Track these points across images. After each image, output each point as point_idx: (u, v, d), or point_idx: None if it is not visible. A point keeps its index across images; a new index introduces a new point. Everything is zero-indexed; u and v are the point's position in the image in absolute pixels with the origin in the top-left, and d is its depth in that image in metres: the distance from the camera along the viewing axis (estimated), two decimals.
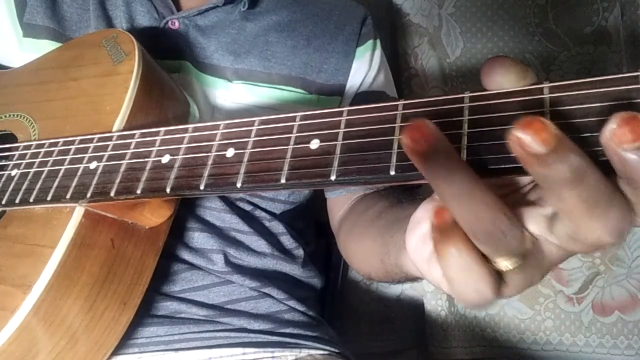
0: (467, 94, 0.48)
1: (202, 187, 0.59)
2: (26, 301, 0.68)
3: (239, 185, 0.56)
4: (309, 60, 1.11)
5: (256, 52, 1.08)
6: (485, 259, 0.45)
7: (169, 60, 1.02)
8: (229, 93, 1.06)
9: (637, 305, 1.38)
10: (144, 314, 0.90)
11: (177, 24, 1.04)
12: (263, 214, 1.10)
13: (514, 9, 1.52)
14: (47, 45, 1.02)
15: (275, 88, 1.08)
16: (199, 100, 1.03)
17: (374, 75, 1.19)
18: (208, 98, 1.05)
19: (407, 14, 1.57)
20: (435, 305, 1.43)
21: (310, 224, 1.26)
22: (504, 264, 0.45)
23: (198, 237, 1.00)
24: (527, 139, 0.36)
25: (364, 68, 1.17)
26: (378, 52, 1.21)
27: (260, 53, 1.08)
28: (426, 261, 0.55)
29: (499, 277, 0.46)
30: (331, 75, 1.13)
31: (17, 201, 0.76)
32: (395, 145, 0.49)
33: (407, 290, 1.49)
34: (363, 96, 1.17)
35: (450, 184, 0.42)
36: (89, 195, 0.69)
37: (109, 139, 0.73)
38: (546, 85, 0.45)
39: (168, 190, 0.62)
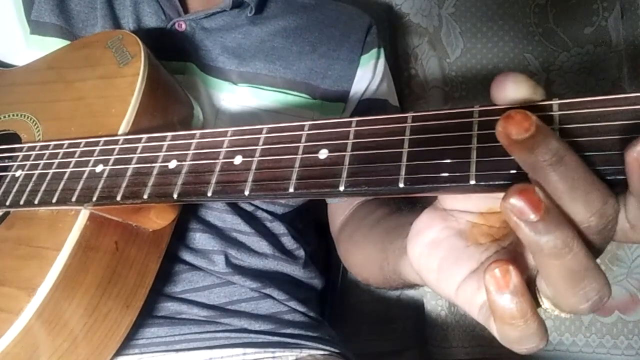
0: (476, 108, 0.48)
1: (209, 194, 0.59)
2: (31, 304, 0.68)
3: (246, 193, 0.57)
4: (313, 65, 1.12)
5: (262, 56, 1.09)
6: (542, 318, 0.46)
7: (174, 62, 1.03)
8: (234, 96, 1.06)
9: (637, 305, 1.38)
10: (145, 314, 0.90)
11: (183, 26, 1.04)
12: (264, 214, 1.10)
13: (514, 9, 1.52)
14: (54, 43, 1.02)
15: (280, 92, 1.09)
16: (204, 103, 1.03)
17: (377, 83, 1.20)
18: (212, 100, 1.05)
19: (407, 14, 1.57)
20: (435, 305, 1.43)
21: (311, 225, 1.26)
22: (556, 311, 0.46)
23: (199, 238, 1.00)
24: (511, 128, 0.39)
25: (368, 76, 1.18)
26: (382, 60, 1.22)
27: (266, 57, 1.09)
28: (435, 271, 0.55)
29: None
30: (335, 81, 1.14)
31: (21, 202, 0.76)
32: (405, 158, 0.49)
33: (407, 290, 1.49)
34: (366, 103, 1.18)
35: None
36: (95, 198, 0.69)
37: (115, 142, 0.73)
38: (556, 102, 0.45)
39: (175, 196, 0.62)
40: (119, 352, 0.83)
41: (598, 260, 1.16)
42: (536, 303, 0.46)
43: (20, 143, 0.87)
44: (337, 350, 1.06)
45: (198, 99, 1.02)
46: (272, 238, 1.10)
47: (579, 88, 1.47)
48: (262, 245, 1.06)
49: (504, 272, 0.44)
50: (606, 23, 1.48)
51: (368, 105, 1.17)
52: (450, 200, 0.56)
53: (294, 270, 1.12)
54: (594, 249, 0.43)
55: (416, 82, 1.54)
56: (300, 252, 1.14)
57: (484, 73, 1.49)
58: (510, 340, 0.46)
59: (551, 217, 0.40)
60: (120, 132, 0.77)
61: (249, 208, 1.08)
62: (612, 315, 1.39)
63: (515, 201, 0.40)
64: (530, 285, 0.47)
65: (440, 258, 0.54)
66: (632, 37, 1.49)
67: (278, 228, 1.11)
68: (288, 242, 1.12)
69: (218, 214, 1.03)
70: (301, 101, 1.11)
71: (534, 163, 0.40)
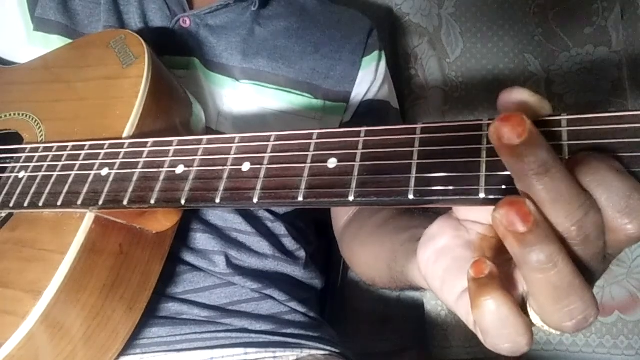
0: (485, 121, 0.48)
1: (217, 201, 0.59)
2: (36, 307, 0.68)
3: (255, 200, 0.57)
4: (316, 66, 1.13)
5: (265, 54, 1.09)
6: (521, 311, 0.46)
7: (178, 57, 1.03)
8: (236, 92, 1.07)
9: (637, 305, 1.38)
10: (147, 315, 0.89)
11: (188, 22, 1.05)
12: (266, 214, 1.10)
13: (514, 9, 1.52)
14: (57, 41, 1.03)
15: (283, 90, 1.09)
16: (206, 98, 1.04)
17: (379, 85, 1.21)
18: (215, 97, 1.06)
19: (407, 14, 1.57)
20: (435, 305, 1.44)
21: (311, 224, 1.26)
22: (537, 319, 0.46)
23: (200, 239, 1.00)
24: (505, 131, 0.39)
25: (370, 77, 1.19)
26: (383, 63, 1.23)
27: (269, 55, 1.10)
28: (439, 279, 0.55)
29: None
30: (337, 82, 1.14)
31: (25, 205, 0.76)
32: (414, 170, 0.49)
33: (408, 290, 1.49)
34: (368, 104, 1.18)
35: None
36: (101, 202, 0.69)
37: (121, 145, 0.73)
38: (564, 117, 0.45)
39: (183, 201, 0.62)
40: (120, 352, 0.83)
41: None
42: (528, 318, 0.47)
43: (22, 143, 0.87)
44: (337, 350, 1.07)
45: (201, 94, 1.03)
46: (272, 238, 1.10)
47: (579, 88, 1.48)
48: (262, 246, 1.07)
49: (481, 263, 0.45)
50: (606, 23, 1.48)
51: (370, 107, 1.18)
52: (464, 211, 0.57)
53: (295, 271, 1.12)
54: (583, 266, 0.43)
55: (416, 82, 1.54)
56: (301, 253, 1.14)
57: (483, 73, 1.49)
58: (489, 333, 0.46)
59: (539, 230, 0.40)
60: (124, 133, 0.77)
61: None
62: (612, 315, 1.39)
63: (505, 212, 0.40)
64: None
65: (446, 267, 0.55)
66: (632, 37, 1.49)
67: (279, 229, 1.12)
68: (289, 242, 1.13)
69: (219, 213, 1.03)
70: (304, 100, 1.11)
71: (519, 169, 0.41)
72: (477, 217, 0.55)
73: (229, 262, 1.01)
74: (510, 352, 0.46)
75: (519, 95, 0.46)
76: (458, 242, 0.55)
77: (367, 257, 0.95)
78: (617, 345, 1.38)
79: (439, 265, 0.55)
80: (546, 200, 0.41)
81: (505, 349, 0.46)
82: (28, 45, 1.03)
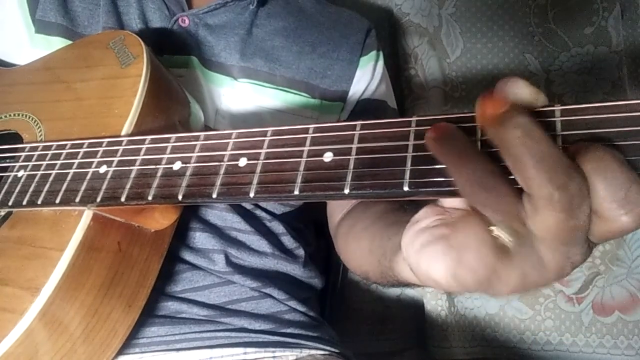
0: None
1: (214, 196, 0.60)
2: (34, 304, 0.68)
3: (251, 195, 0.57)
4: (313, 65, 1.13)
5: (262, 54, 1.10)
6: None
7: (176, 56, 1.04)
8: (234, 91, 1.07)
9: (637, 305, 1.39)
10: (146, 314, 0.89)
11: (187, 21, 1.05)
12: (263, 214, 1.10)
13: (514, 9, 1.53)
14: (59, 42, 1.03)
15: (280, 90, 1.10)
16: (204, 96, 1.04)
17: (376, 84, 1.21)
18: (213, 95, 1.06)
19: (407, 14, 1.57)
20: (435, 305, 1.44)
21: (310, 225, 1.27)
22: (501, 232, 0.47)
23: (199, 237, 1.00)
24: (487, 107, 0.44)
25: (367, 77, 1.19)
26: (381, 63, 1.23)
27: (267, 55, 1.10)
28: (416, 252, 0.56)
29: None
30: (334, 81, 1.15)
31: (24, 203, 0.76)
32: (409, 162, 0.50)
33: (407, 290, 1.49)
34: (365, 103, 1.19)
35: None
36: (99, 199, 0.69)
37: (119, 143, 0.73)
38: (558, 107, 0.45)
39: (180, 197, 0.62)
40: (120, 352, 0.83)
41: (598, 261, 1.16)
42: None
43: (22, 143, 0.87)
44: (337, 350, 1.07)
45: (199, 93, 1.03)
46: (271, 237, 1.10)
47: (578, 88, 1.48)
48: (261, 244, 1.07)
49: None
50: (606, 23, 1.49)
51: (367, 106, 1.18)
52: (450, 200, 0.57)
53: (294, 270, 1.12)
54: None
55: (416, 82, 1.54)
56: (300, 252, 1.14)
57: (484, 73, 1.50)
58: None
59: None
60: (123, 132, 0.77)
61: (249, 207, 1.08)
62: (612, 315, 1.39)
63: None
64: None
65: (424, 241, 0.55)
66: (632, 37, 1.50)
67: (277, 227, 1.12)
68: (287, 241, 1.13)
69: (218, 212, 1.03)
70: (301, 100, 1.11)
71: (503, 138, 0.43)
72: (463, 204, 0.56)
73: (229, 261, 1.01)
74: (478, 272, 0.48)
75: (515, 86, 0.46)
76: (439, 222, 0.56)
77: (360, 252, 0.95)
78: (617, 345, 1.38)
79: (418, 241, 0.56)
80: (531, 165, 0.42)
81: (474, 266, 0.48)
82: (30, 47, 1.03)
